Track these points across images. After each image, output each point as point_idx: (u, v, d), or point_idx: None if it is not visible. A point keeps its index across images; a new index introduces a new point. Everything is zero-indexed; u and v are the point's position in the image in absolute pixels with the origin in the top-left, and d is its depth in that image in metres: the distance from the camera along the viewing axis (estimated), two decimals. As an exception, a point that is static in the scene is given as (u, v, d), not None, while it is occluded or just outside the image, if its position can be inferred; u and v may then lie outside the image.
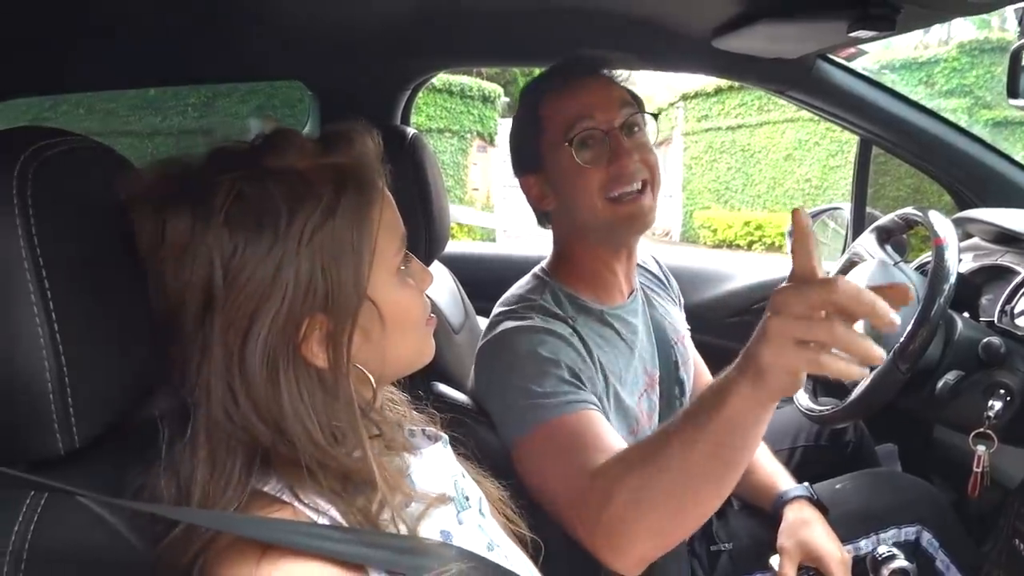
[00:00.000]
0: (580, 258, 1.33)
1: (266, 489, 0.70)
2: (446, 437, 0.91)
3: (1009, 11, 1.40)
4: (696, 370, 1.57)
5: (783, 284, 0.80)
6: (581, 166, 1.23)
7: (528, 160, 1.32)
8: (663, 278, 1.59)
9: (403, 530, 0.74)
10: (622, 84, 1.31)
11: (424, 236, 1.51)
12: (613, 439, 1.10)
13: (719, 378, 0.86)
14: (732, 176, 13.97)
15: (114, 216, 0.71)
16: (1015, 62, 1.39)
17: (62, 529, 0.65)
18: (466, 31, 1.80)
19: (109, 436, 0.71)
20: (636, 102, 1.30)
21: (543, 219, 1.37)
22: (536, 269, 1.39)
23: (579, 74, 1.28)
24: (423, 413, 0.97)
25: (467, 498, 0.87)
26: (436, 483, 0.82)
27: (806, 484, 1.40)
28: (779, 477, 1.43)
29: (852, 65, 1.89)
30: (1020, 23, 1.32)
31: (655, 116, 1.33)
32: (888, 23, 1.22)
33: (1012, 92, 1.42)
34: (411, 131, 1.56)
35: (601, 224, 1.26)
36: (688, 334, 1.56)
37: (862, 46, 1.81)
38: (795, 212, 0.82)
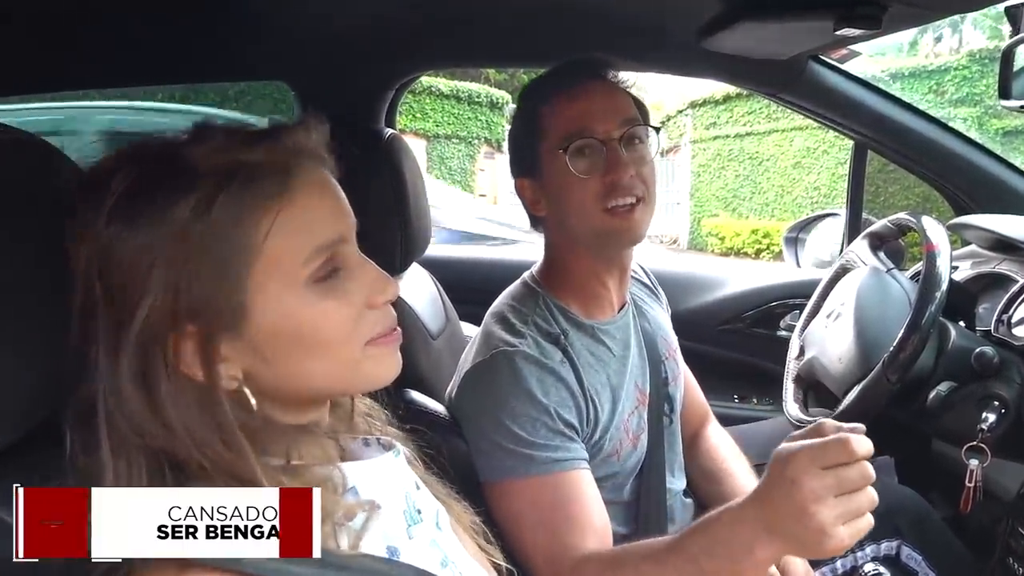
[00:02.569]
0: (571, 268, 1.30)
1: None
2: (399, 447, 0.87)
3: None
4: (687, 386, 1.53)
5: (790, 447, 0.82)
6: (576, 176, 1.20)
7: (524, 164, 1.28)
8: (652, 287, 1.56)
9: (343, 544, 0.70)
10: (627, 89, 1.28)
11: (400, 239, 1.48)
12: (596, 507, 1.13)
13: (740, 534, 0.88)
14: (740, 184, 13.94)
15: (41, 209, 0.68)
16: (1006, 62, 1.36)
17: None
18: (451, 32, 1.77)
19: (27, 440, 0.68)
20: (640, 111, 1.27)
21: (536, 223, 1.34)
22: (526, 276, 1.35)
23: (581, 78, 1.25)
24: (386, 419, 0.92)
25: (419, 511, 0.83)
26: (383, 494, 0.78)
27: None
28: (750, 488, 1.38)
29: (847, 68, 1.85)
30: (1011, 22, 1.28)
31: (662, 125, 1.32)
32: (874, 22, 1.19)
33: (1004, 93, 1.38)
34: (389, 132, 1.53)
35: (593, 234, 1.23)
36: (678, 348, 1.52)
37: (854, 47, 1.78)
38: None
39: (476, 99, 14.07)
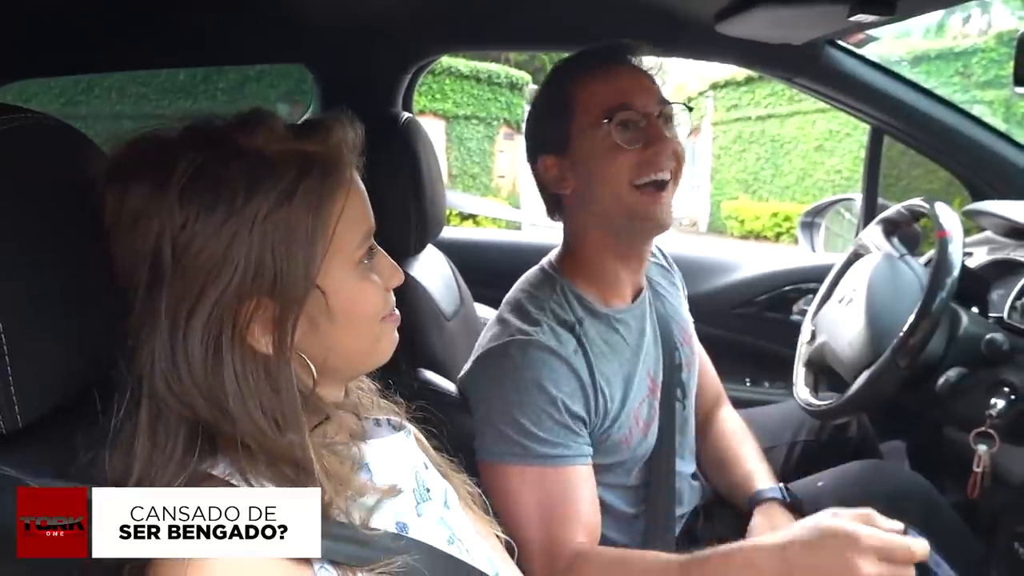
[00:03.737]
0: (590, 253, 1.31)
1: (214, 472, 0.70)
2: (409, 427, 0.90)
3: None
4: (701, 368, 1.55)
5: (847, 526, 0.93)
6: (618, 146, 1.21)
7: (551, 142, 1.29)
8: (668, 268, 1.56)
9: (355, 520, 0.73)
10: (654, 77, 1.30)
11: (415, 221, 1.50)
12: (590, 505, 1.18)
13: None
14: (761, 166, 13.79)
15: (75, 193, 0.71)
16: (1022, 48, 1.34)
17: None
18: (466, 15, 1.79)
19: (60, 412, 0.71)
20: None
21: (554, 208, 1.35)
22: (544, 262, 1.36)
23: (615, 60, 1.27)
24: (392, 402, 0.96)
25: (428, 490, 0.86)
26: (394, 473, 0.81)
27: (781, 485, 1.37)
28: (757, 476, 1.41)
29: (865, 52, 1.84)
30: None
31: (690, 107, 1.32)
32: (889, 7, 1.19)
33: (1019, 80, 1.37)
34: (405, 115, 1.55)
35: (621, 212, 1.24)
36: (694, 332, 1.53)
37: (872, 32, 1.77)
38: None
39: (496, 80, 13.98)
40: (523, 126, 1.37)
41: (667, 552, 1.17)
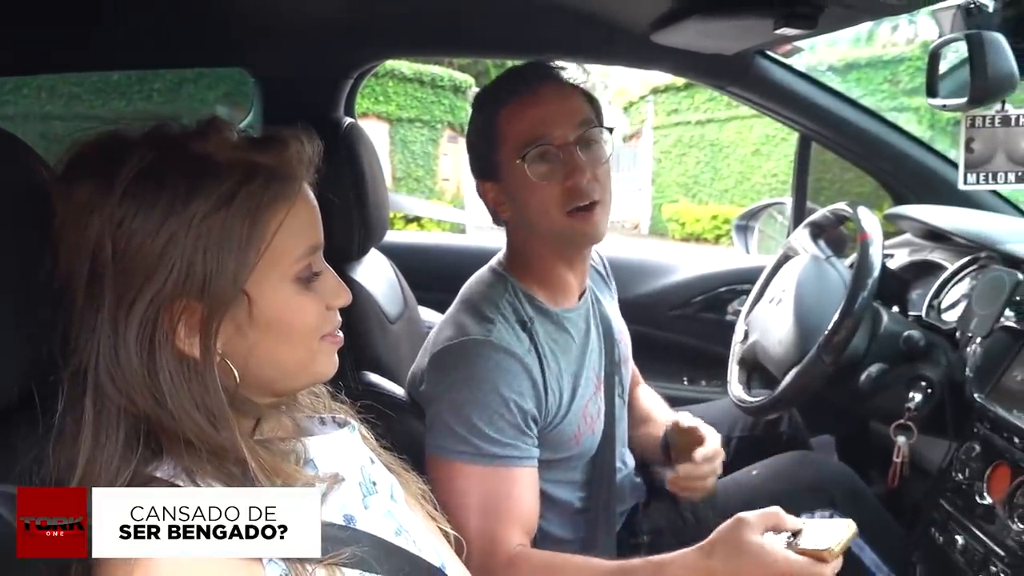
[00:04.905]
0: (536, 259, 1.33)
1: (159, 474, 0.71)
2: (353, 423, 0.92)
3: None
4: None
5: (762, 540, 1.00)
6: (536, 182, 1.23)
7: (485, 168, 1.31)
8: (605, 276, 1.60)
9: None
10: (582, 87, 1.31)
11: (359, 226, 1.51)
12: (532, 506, 1.22)
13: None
14: (701, 170, 14.01)
15: (9, 195, 0.72)
16: (933, 63, 1.42)
17: None
18: (409, 20, 1.79)
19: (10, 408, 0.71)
20: (594, 108, 1.30)
21: (497, 222, 1.37)
22: (493, 263, 1.38)
23: (534, 82, 1.27)
24: (339, 403, 0.97)
25: (374, 483, 0.88)
26: (339, 467, 0.83)
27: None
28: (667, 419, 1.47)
29: (794, 62, 1.92)
30: (938, 25, 1.35)
31: (608, 129, 1.32)
32: (811, 22, 1.24)
33: (931, 92, 1.45)
34: (348, 120, 1.56)
35: (556, 236, 1.28)
36: (626, 329, 1.57)
37: (799, 43, 1.84)
38: None
39: (439, 83, 13.93)
40: (466, 129, 1.38)
41: (607, 554, 1.22)
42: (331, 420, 0.93)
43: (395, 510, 0.89)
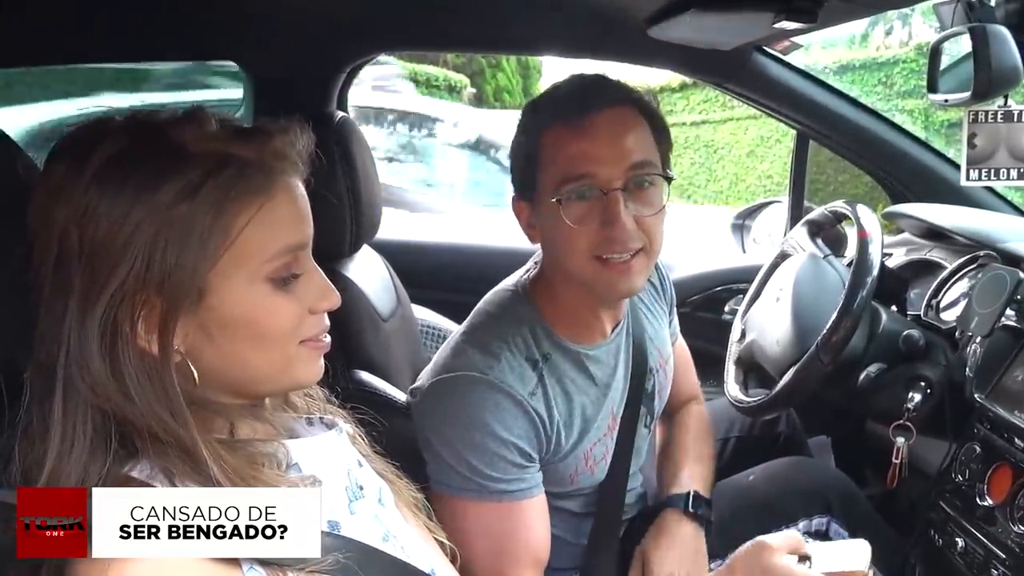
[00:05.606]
0: (564, 295, 1.21)
1: (135, 474, 0.69)
2: (342, 425, 0.90)
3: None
4: (681, 369, 1.52)
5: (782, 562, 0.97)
6: (569, 225, 1.10)
7: (523, 185, 1.19)
8: (659, 284, 1.47)
9: None
10: (649, 110, 1.17)
11: (350, 221, 1.49)
12: (543, 536, 1.17)
13: None
14: (695, 171, 14.04)
15: None
16: (934, 58, 1.41)
17: None
18: (402, 15, 1.78)
19: None
20: (660, 144, 1.16)
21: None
22: (515, 283, 1.27)
23: (590, 106, 1.11)
24: (331, 403, 0.95)
25: (361, 487, 0.85)
26: (324, 470, 0.80)
27: (689, 491, 1.33)
28: (680, 481, 1.38)
29: (792, 61, 1.90)
30: (939, 19, 1.33)
31: (669, 179, 1.16)
32: (810, 16, 1.23)
33: (931, 87, 1.44)
34: (339, 114, 1.54)
35: (585, 281, 1.15)
36: (671, 354, 1.46)
37: (797, 40, 1.82)
38: None
39: (434, 83, 13.92)
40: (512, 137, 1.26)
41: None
42: (319, 422, 0.90)
43: (383, 515, 0.87)
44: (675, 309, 1.52)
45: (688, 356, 1.59)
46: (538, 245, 1.24)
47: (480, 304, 1.26)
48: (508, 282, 1.29)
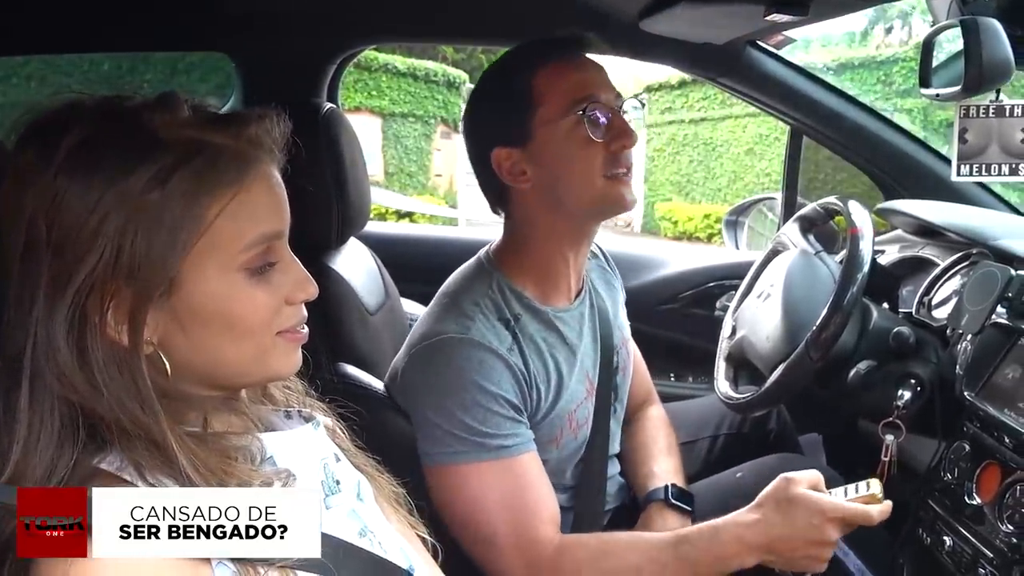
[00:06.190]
0: (533, 249, 1.28)
1: (105, 467, 0.67)
2: (319, 419, 0.88)
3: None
4: (636, 369, 1.56)
5: (821, 497, 1.09)
6: (585, 139, 1.20)
7: (509, 133, 1.24)
8: (609, 270, 1.56)
9: None
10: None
11: (337, 213, 1.48)
12: (549, 490, 1.20)
13: (737, 546, 1.10)
14: (694, 169, 14.07)
15: None
16: (927, 52, 1.39)
17: None
18: (393, 6, 1.77)
19: None
20: None
21: (499, 202, 1.31)
22: (481, 255, 1.34)
23: (575, 50, 1.26)
24: (310, 395, 0.93)
25: (338, 482, 0.84)
26: (299, 464, 0.79)
27: (668, 485, 1.38)
28: (657, 475, 1.41)
29: (790, 59, 1.89)
30: (932, 13, 1.32)
31: (641, 103, 1.35)
32: (802, 8, 1.22)
33: (924, 82, 1.42)
34: (327, 106, 1.52)
35: (592, 201, 1.24)
36: (630, 335, 1.54)
37: (791, 34, 1.81)
38: None
39: (433, 78, 13.95)
40: (460, 124, 1.35)
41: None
42: (297, 415, 0.89)
43: (360, 509, 0.86)
44: (623, 305, 1.57)
45: (641, 358, 1.62)
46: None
47: (447, 281, 1.32)
48: (470, 260, 1.35)
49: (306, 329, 0.80)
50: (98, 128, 0.68)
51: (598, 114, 1.21)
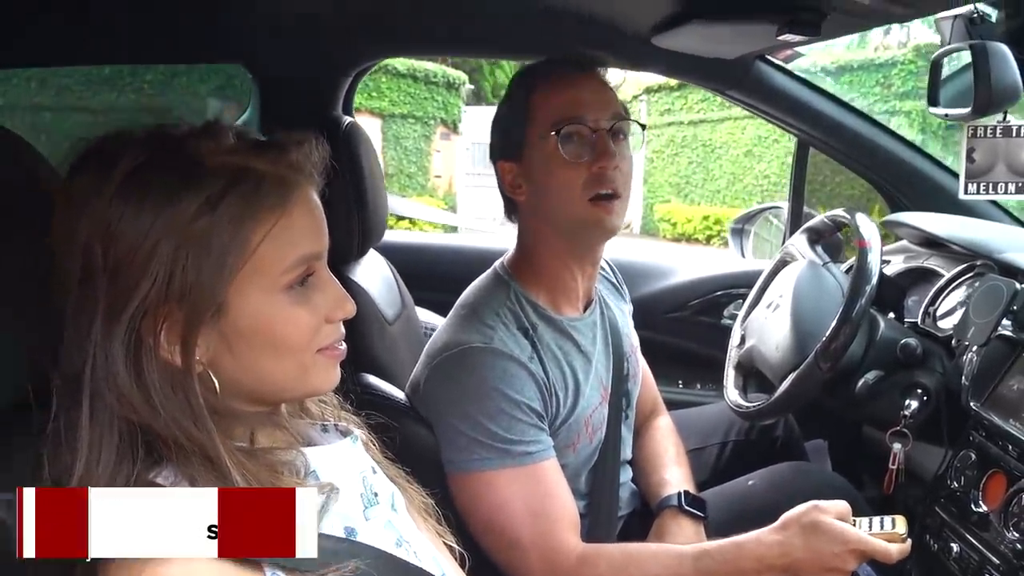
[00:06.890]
0: (543, 260, 1.32)
1: (160, 480, 0.70)
2: (356, 433, 0.91)
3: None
4: (644, 381, 1.58)
5: (841, 527, 1.11)
6: (564, 160, 1.22)
7: (509, 147, 1.30)
8: (618, 285, 1.59)
9: None
10: (614, 89, 1.32)
11: (357, 226, 1.51)
12: (570, 497, 1.22)
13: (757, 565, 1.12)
14: (693, 170, 14.08)
15: (14, 197, 0.72)
16: (935, 72, 1.42)
17: None
18: (408, 20, 1.79)
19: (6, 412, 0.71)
20: (625, 111, 1.30)
21: (511, 211, 1.35)
22: (496, 266, 1.37)
23: (575, 70, 1.28)
24: (346, 410, 0.96)
25: (376, 494, 0.87)
26: (341, 478, 0.82)
27: (681, 492, 1.40)
28: (669, 483, 1.44)
29: (791, 67, 1.92)
30: (940, 34, 1.35)
31: (641, 126, 1.34)
32: (814, 28, 1.25)
33: (932, 101, 1.45)
34: (347, 120, 1.55)
35: (572, 222, 1.26)
36: (638, 345, 1.56)
37: (799, 48, 1.84)
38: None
39: (433, 79, 13.93)
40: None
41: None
42: (334, 428, 0.92)
43: (395, 520, 0.88)
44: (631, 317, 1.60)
45: (648, 371, 1.65)
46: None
47: (465, 293, 1.35)
48: (487, 271, 1.37)
49: (344, 346, 0.82)
50: (149, 156, 0.71)
51: (576, 135, 1.23)
